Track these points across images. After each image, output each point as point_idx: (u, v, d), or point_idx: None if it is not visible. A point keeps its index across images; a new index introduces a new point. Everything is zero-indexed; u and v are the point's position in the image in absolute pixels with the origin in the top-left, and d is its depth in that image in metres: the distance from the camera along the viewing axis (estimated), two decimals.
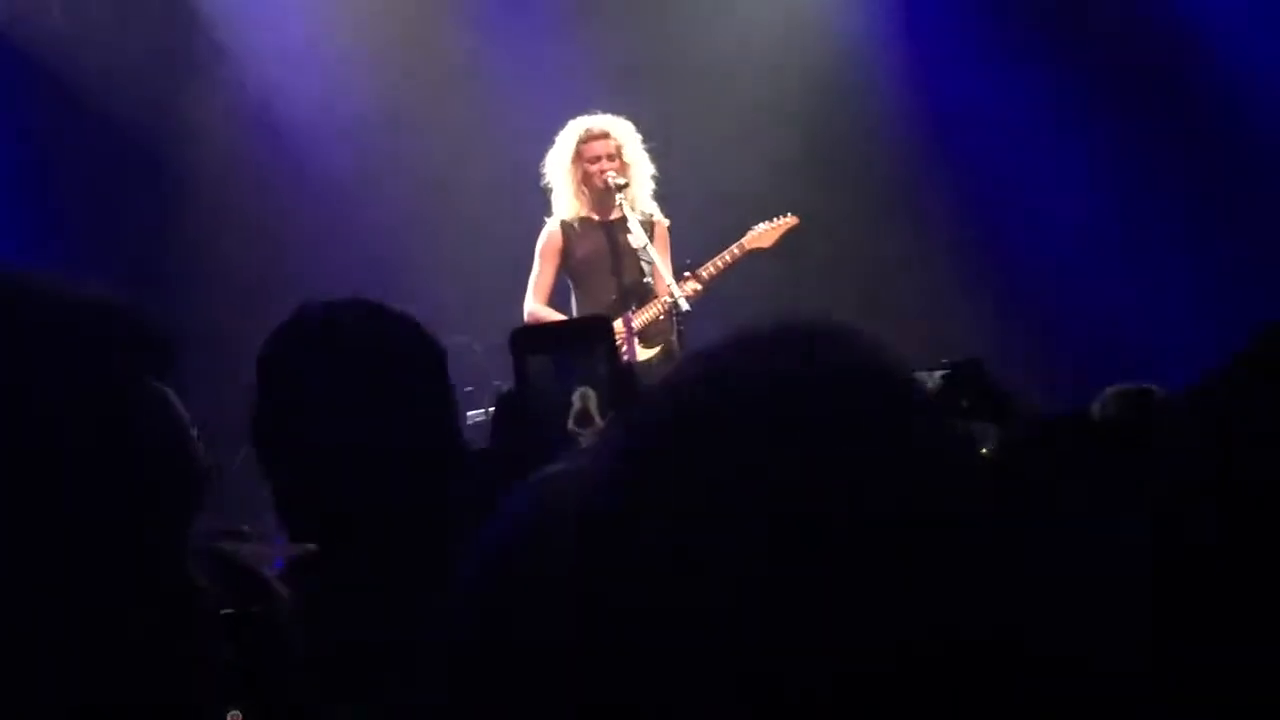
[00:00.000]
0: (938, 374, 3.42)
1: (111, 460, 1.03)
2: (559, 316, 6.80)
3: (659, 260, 6.55)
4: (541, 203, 6.90)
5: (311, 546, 2.22)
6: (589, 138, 6.73)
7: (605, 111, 6.85)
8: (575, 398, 1.81)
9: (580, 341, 2.01)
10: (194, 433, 1.12)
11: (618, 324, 6.67)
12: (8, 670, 0.99)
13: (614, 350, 1.93)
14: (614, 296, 6.71)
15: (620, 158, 6.71)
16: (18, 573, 0.98)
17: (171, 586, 1.09)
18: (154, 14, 8.78)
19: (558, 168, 6.81)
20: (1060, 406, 3.81)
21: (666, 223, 6.86)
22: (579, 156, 6.74)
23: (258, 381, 2.19)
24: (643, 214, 6.70)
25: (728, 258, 6.84)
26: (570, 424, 2.48)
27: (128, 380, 1.07)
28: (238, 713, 1.78)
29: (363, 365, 2.17)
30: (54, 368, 1.05)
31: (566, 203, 6.79)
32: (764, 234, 7.00)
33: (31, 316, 1.07)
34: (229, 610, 1.91)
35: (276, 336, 2.21)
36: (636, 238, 6.53)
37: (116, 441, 1.04)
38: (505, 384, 8.59)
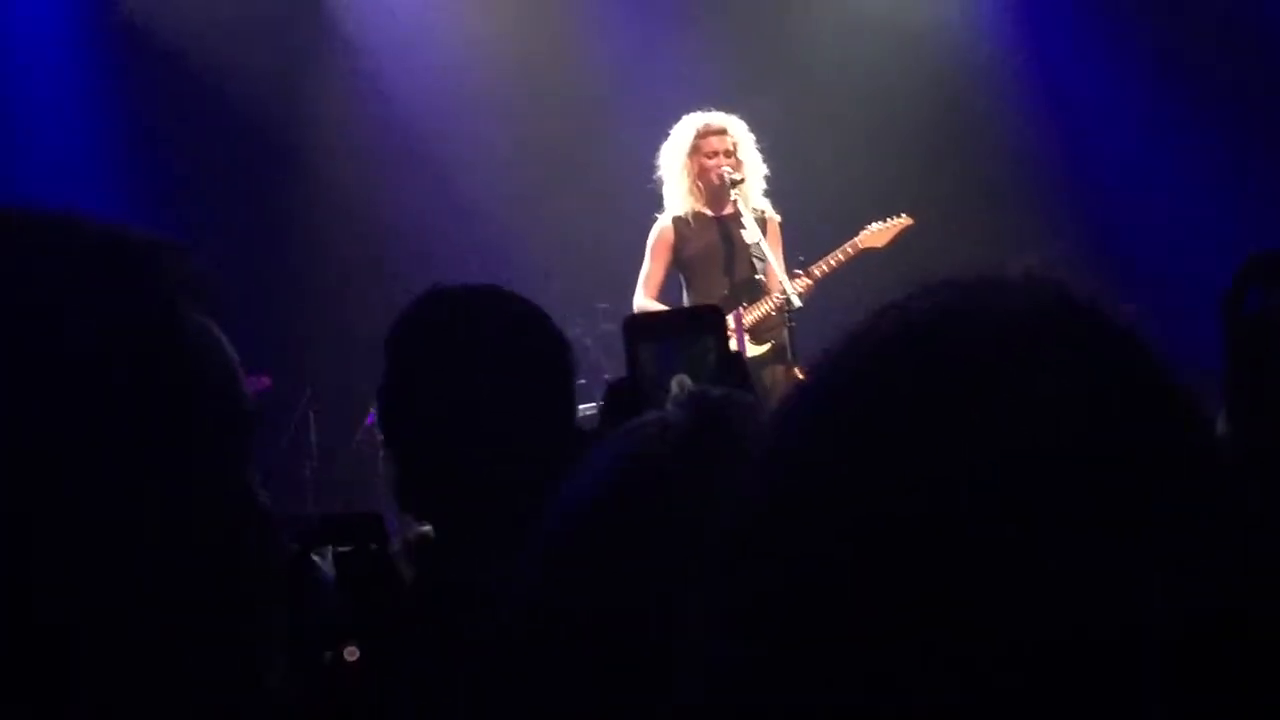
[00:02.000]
0: None
1: (154, 392, 1.05)
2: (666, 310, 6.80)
3: (771, 256, 6.54)
4: (656, 196, 6.91)
5: (426, 528, 2.26)
6: (706, 133, 6.72)
7: (720, 107, 6.84)
8: (673, 383, 1.83)
9: (691, 330, 2.03)
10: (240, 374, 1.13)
11: (729, 319, 6.68)
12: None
13: (724, 338, 1.95)
14: (725, 292, 6.70)
15: (735, 154, 6.70)
16: (53, 510, 1.00)
17: (235, 512, 1.10)
18: (279, 4, 8.92)
19: (673, 162, 6.80)
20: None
21: (778, 219, 6.85)
22: (695, 151, 6.73)
23: (387, 362, 2.24)
24: (756, 210, 6.69)
25: (841, 256, 6.81)
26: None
27: (173, 312, 1.09)
28: (354, 648, 1.82)
29: (489, 352, 2.21)
30: (101, 292, 1.06)
31: (680, 197, 6.78)
32: (878, 233, 6.95)
33: (72, 252, 1.09)
34: (344, 548, 1.95)
35: (406, 319, 2.26)
36: (750, 233, 6.52)
37: (160, 372, 1.06)
38: (612, 376, 8.66)
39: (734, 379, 1.86)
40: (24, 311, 1.01)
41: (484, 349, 2.21)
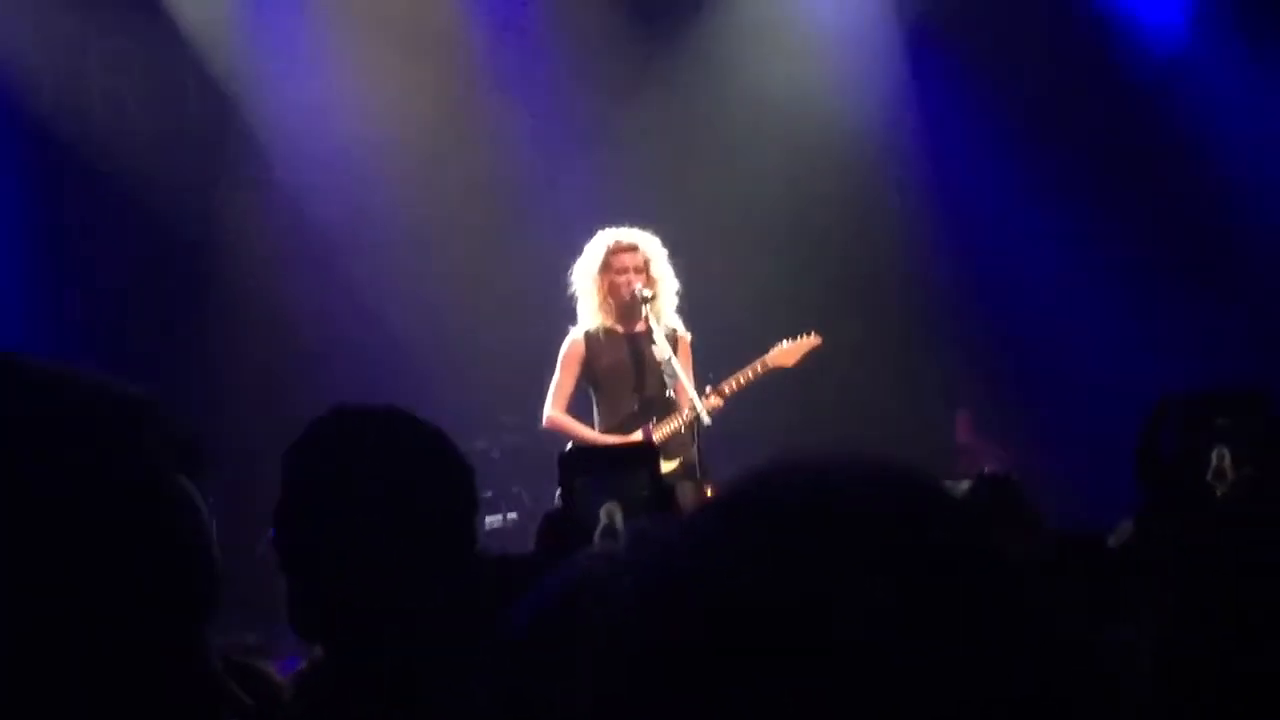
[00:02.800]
0: (964, 484, 3.44)
1: (137, 555, 1.06)
2: (577, 425, 6.82)
3: (682, 374, 6.57)
4: (563, 312, 6.94)
5: (318, 651, 2.23)
6: (618, 249, 6.77)
7: (634, 223, 6.90)
8: (602, 513, 1.83)
9: (626, 464, 2.05)
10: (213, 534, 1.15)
11: (637, 435, 6.69)
12: None
13: (657, 472, 1.98)
14: (635, 407, 6.73)
15: (647, 271, 6.74)
16: (37, 660, 1.00)
17: (194, 684, 1.11)
18: (193, 112, 8.93)
19: (585, 277, 6.83)
20: (1084, 524, 3.83)
21: (689, 337, 6.89)
22: (607, 267, 6.77)
23: (283, 479, 2.22)
24: (667, 327, 6.73)
25: (750, 374, 6.85)
26: (596, 537, 2.51)
27: (158, 475, 1.10)
28: None
29: (386, 471, 2.20)
30: (86, 457, 1.08)
31: (591, 312, 6.81)
32: (787, 352, 7.01)
33: (66, 405, 1.10)
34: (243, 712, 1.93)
35: (304, 437, 2.24)
36: (661, 350, 6.56)
37: (143, 536, 1.07)
38: (522, 489, 8.59)
39: (666, 510, 1.88)
40: (18, 467, 1.03)
41: (381, 474, 2.19)
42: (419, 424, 2.26)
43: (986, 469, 7.14)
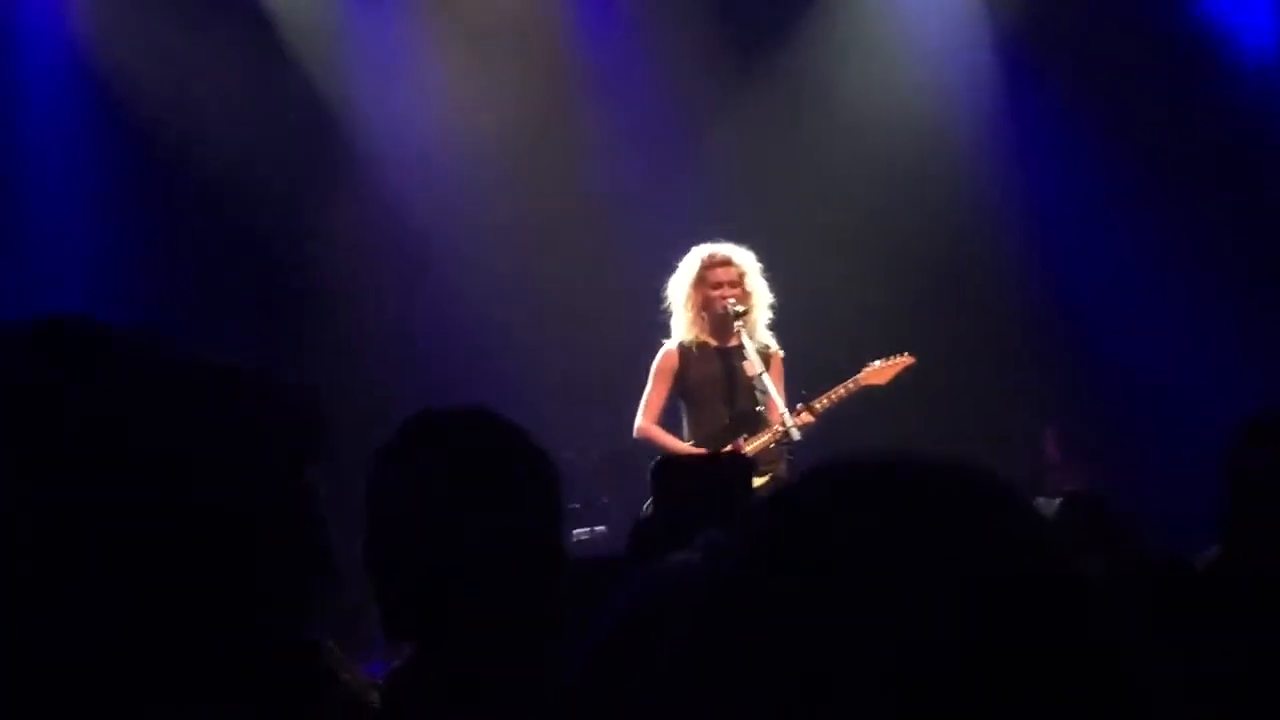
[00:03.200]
0: (1056, 502, 3.40)
1: (257, 544, 1.06)
2: (668, 437, 6.82)
3: (773, 389, 6.55)
4: (658, 325, 6.95)
5: (406, 651, 2.25)
6: (712, 264, 6.78)
7: (726, 239, 6.90)
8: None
9: (718, 475, 2.04)
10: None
11: (727, 450, 6.68)
12: None
13: (748, 485, 1.97)
14: (726, 422, 6.72)
15: (742, 285, 6.74)
16: (147, 649, 1.01)
17: (307, 681, 1.11)
18: (291, 119, 9.02)
19: (679, 291, 6.85)
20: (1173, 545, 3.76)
21: (782, 354, 6.87)
22: (701, 282, 6.78)
23: (370, 480, 2.24)
24: (760, 343, 6.72)
25: (842, 392, 6.83)
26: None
27: (288, 468, 1.11)
28: None
29: (473, 471, 2.21)
30: (221, 447, 1.08)
31: (685, 326, 6.82)
32: (879, 370, 6.98)
33: (197, 384, 1.11)
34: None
35: (393, 439, 2.26)
36: (752, 365, 6.55)
37: (264, 526, 1.07)
38: (610, 502, 8.60)
39: None
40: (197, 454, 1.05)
41: (468, 474, 2.21)
42: (505, 424, 2.28)
43: (1073, 487, 7.05)
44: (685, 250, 6.89)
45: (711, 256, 6.78)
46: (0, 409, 1.04)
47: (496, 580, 2.15)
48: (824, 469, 0.89)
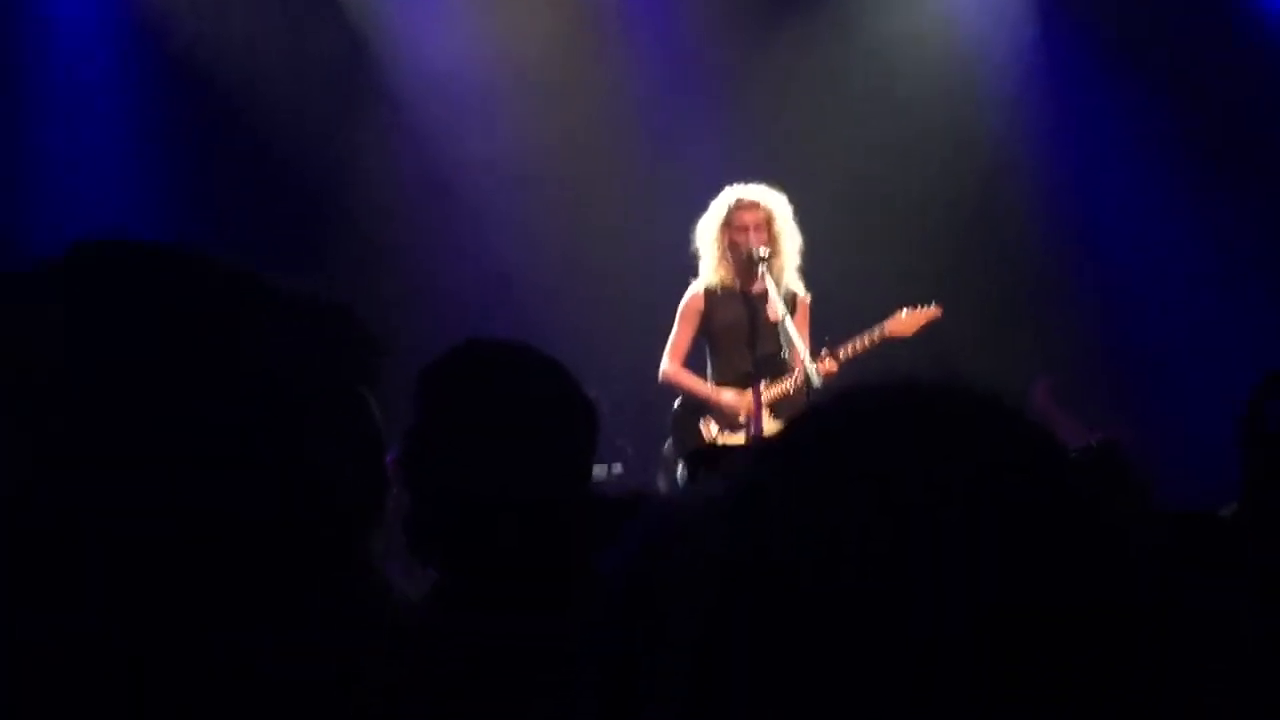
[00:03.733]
0: (1072, 453, 3.37)
1: (317, 460, 1.07)
2: (693, 379, 6.83)
3: (796, 335, 6.53)
4: (686, 267, 6.94)
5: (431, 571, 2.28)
6: (740, 207, 6.74)
7: (761, 181, 6.86)
8: None
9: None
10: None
11: (748, 394, 6.68)
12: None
13: None
14: (748, 367, 6.71)
15: (769, 229, 6.70)
16: (206, 551, 1.02)
17: (361, 585, 1.13)
18: (325, 52, 9.01)
19: (707, 233, 6.83)
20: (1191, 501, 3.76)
21: (808, 298, 6.85)
22: (728, 224, 6.75)
23: (415, 406, 2.27)
24: (786, 288, 6.70)
25: (866, 341, 6.80)
26: None
27: (345, 383, 1.13)
28: None
29: (514, 401, 2.24)
30: (282, 361, 1.10)
31: (711, 269, 6.80)
32: (905, 320, 6.95)
33: (263, 307, 1.12)
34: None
35: (440, 361, 2.30)
36: (775, 310, 6.53)
37: (325, 441, 1.09)
38: (626, 443, 8.60)
39: None
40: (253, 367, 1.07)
41: (509, 404, 2.24)
42: (547, 360, 2.31)
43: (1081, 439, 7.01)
44: (714, 192, 6.86)
45: (740, 199, 6.74)
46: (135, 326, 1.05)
47: (527, 509, 2.18)
48: (840, 396, 0.89)
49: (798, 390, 6.57)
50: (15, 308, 1.02)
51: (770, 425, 6.62)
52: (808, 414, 0.89)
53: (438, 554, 2.25)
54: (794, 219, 6.76)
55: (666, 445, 7.12)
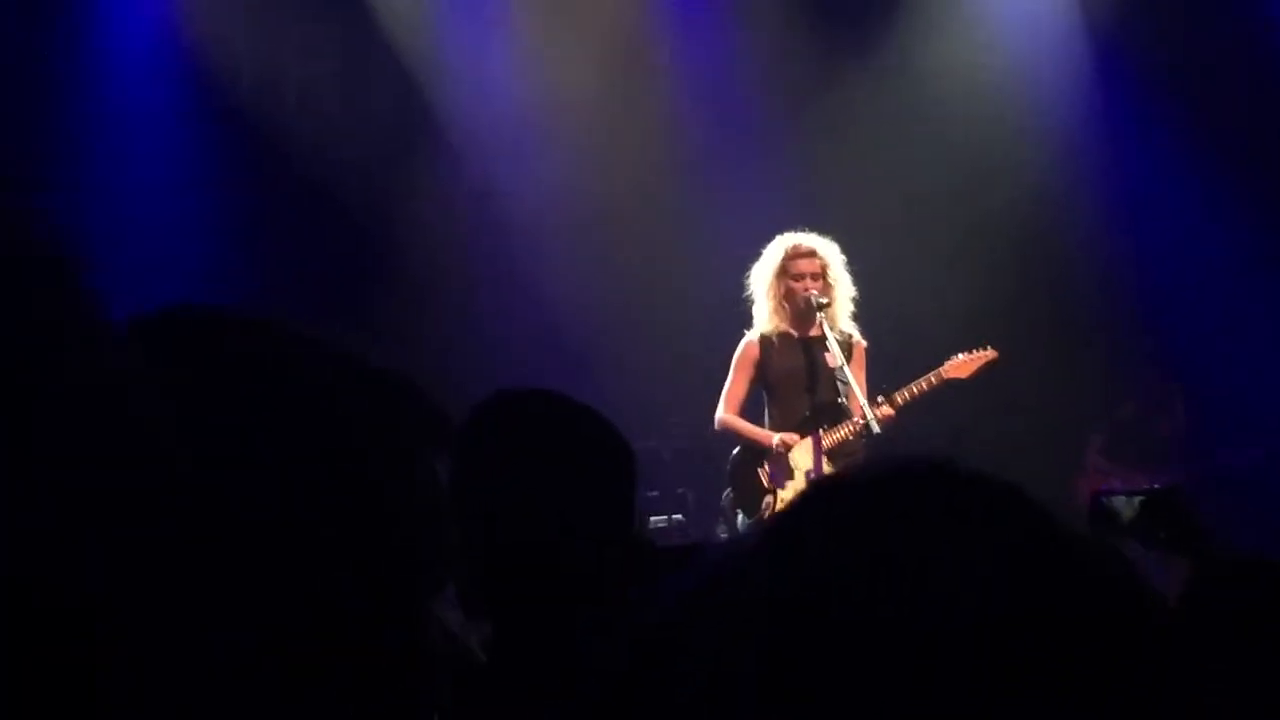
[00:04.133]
0: (1137, 500, 3.34)
1: (383, 537, 1.10)
2: (750, 426, 6.83)
3: (854, 381, 6.54)
4: (739, 316, 6.95)
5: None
6: (795, 255, 6.76)
7: (813, 225, 6.88)
8: None
9: None
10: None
11: (808, 441, 6.67)
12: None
13: None
14: (807, 413, 6.71)
15: (824, 277, 6.73)
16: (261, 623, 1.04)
17: (414, 656, 1.15)
18: (384, 101, 9.10)
19: (762, 281, 6.85)
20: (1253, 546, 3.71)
21: (864, 344, 6.85)
22: (784, 272, 6.77)
23: (452, 462, 2.27)
24: (841, 333, 6.71)
25: (924, 385, 6.79)
26: None
27: (413, 454, 1.14)
28: None
29: (546, 450, 2.24)
30: (350, 434, 1.12)
31: (767, 317, 6.82)
32: (962, 364, 6.93)
33: (324, 377, 1.14)
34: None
35: (467, 420, 2.30)
36: (834, 357, 6.53)
37: (392, 514, 1.11)
38: (688, 491, 8.54)
39: None
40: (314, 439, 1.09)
41: (541, 453, 2.24)
42: (576, 405, 2.31)
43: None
44: (768, 239, 6.88)
45: (796, 247, 6.76)
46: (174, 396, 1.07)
47: (571, 563, 2.18)
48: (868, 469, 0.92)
49: (857, 436, 6.56)
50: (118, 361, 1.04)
51: (829, 471, 6.59)
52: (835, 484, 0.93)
53: (486, 612, 2.25)
54: (847, 264, 6.78)
55: (725, 494, 7.12)
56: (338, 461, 1.08)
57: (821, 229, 6.88)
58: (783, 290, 6.76)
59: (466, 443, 2.26)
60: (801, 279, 6.71)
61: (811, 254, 6.74)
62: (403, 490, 1.11)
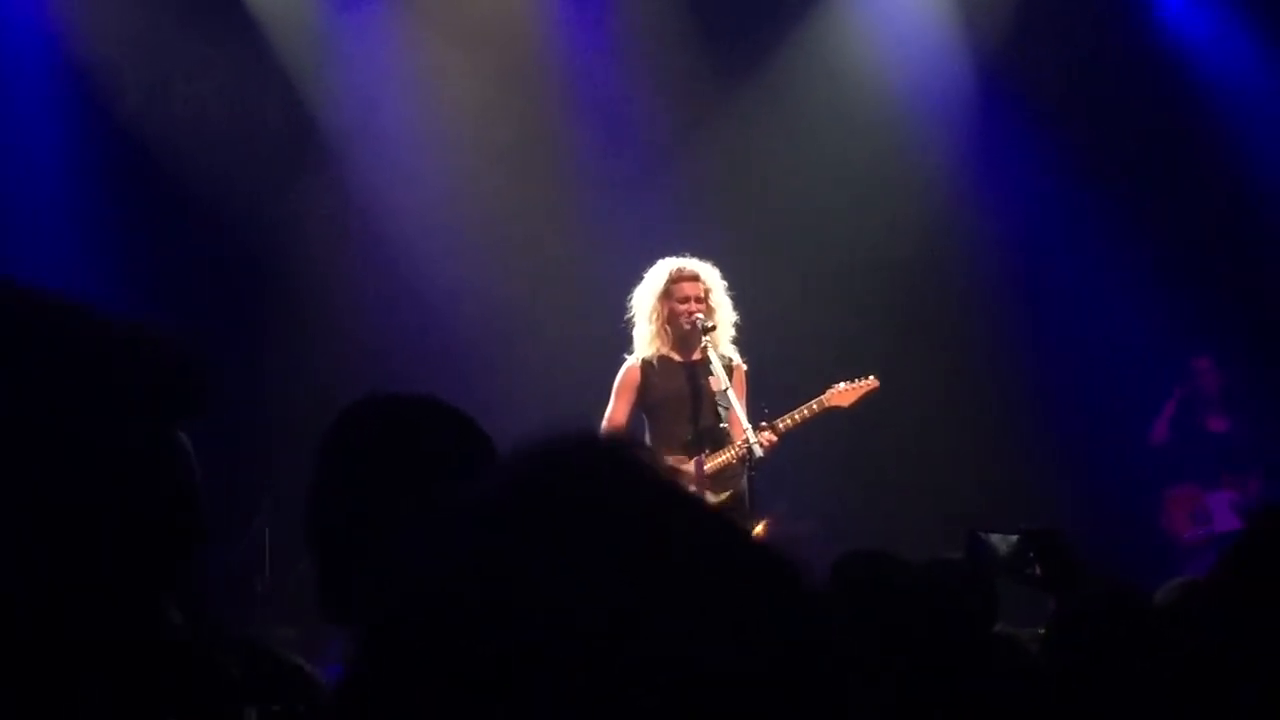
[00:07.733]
0: (1013, 538, 3.39)
1: (119, 505, 1.04)
2: None
3: (737, 405, 6.54)
4: (620, 336, 6.93)
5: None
6: (679, 278, 6.76)
7: (695, 254, 6.89)
8: None
9: None
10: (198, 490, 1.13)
11: (689, 465, 6.65)
12: None
13: None
14: (689, 438, 6.69)
15: (707, 301, 6.73)
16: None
17: (156, 643, 1.10)
18: (271, 117, 9.02)
19: (644, 304, 6.83)
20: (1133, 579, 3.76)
21: (745, 366, 6.86)
22: (667, 295, 6.77)
23: (316, 464, 2.23)
24: (724, 357, 6.71)
25: (805, 413, 6.80)
26: None
27: (159, 423, 1.08)
28: None
29: (413, 453, 2.19)
30: (90, 394, 1.06)
31: (648, 340, 6.80)
32: (844, 393, 6.96)
33: (81, 338, 1.09)
34: (275, 708, 1.91)
35: (338, 422, 2.25)
36: (719, 380, 6.53)
37: (129, 485, 1.05)
38: None
39: None
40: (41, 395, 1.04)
41: (407, 456, 2.19)
42: (448, 410, 2.26)
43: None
44: (651, 262, 6.87)
45: (679, 270, 6.76)
46: None
47: None
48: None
49: (740, 460, 6.56)
50: None
51: (712, 497, 6.58)
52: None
53: (344, 614, 2.20)
54: (727, 289, 6.80)
55: None
56: (53, 424, 1.03)
57: (705, 254, 6.89)
58: (666, 313, 6.76)
59: (331, 442, 2.23)
60: (686, 302, 6.71)
61: (695, 278, 6.75)
62: (134, 469, 1.06)
